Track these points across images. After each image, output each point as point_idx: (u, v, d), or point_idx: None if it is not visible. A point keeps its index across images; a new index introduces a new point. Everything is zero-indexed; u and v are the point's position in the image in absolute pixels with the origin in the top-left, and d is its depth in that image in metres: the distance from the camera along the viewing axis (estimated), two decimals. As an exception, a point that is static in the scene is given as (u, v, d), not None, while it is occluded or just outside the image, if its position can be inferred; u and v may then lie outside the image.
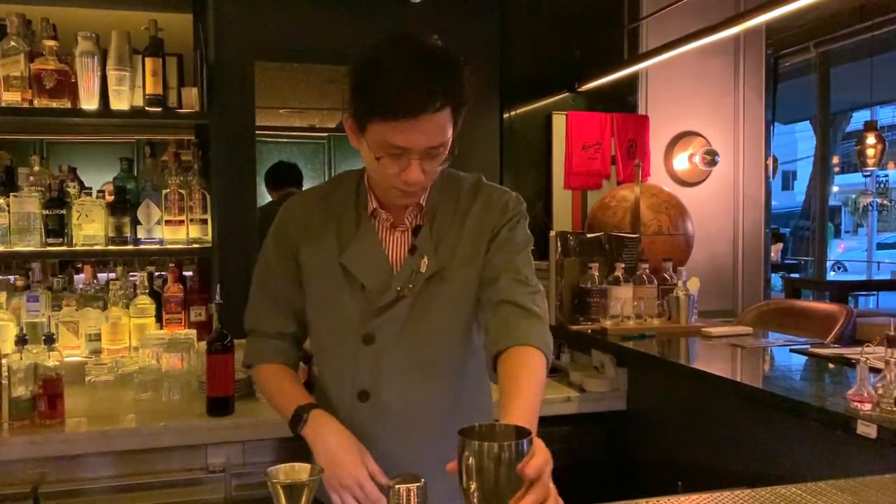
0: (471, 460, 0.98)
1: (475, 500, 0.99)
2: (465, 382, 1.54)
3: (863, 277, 10.50)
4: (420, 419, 1.47)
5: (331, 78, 5.54)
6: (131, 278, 2.72)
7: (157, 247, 2.60)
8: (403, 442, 1.45)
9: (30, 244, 2.47)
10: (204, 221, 2.63)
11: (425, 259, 1.43)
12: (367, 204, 1.46)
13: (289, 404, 1.44)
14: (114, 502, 1.96)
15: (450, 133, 1.32)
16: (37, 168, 2.63)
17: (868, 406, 1.87)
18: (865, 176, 7.93)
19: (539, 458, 1.02)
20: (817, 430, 1.99)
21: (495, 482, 0.98)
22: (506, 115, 3.54)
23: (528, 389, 1.26)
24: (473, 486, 0.99)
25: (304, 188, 4.66)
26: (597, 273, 2.92)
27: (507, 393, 1.27)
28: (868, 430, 1.78)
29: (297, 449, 2.08)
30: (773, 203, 5.15)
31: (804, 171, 14.92)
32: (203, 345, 2.16)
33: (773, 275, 6.25)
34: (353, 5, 3.22)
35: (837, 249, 14.73)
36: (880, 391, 1.89)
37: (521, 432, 1.03)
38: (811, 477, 1.39)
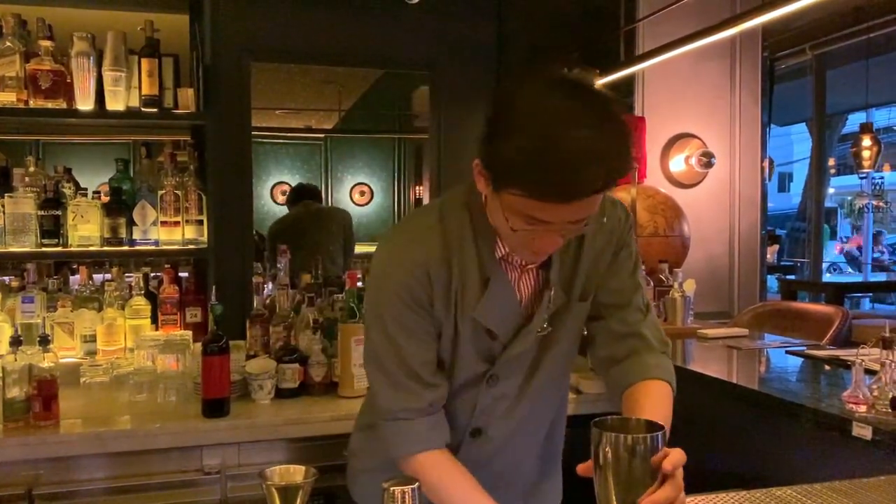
0: (606, 451, 0.97)
1: (610, 493, 0.98)
2: (563, 401, 1.52)
3: (859, 279, 10.51)
4: (524, 445, 1.45)
5: (327, 79, 5.55)
6: (127, 279, 2.71)
7: (153, 248, 2.59)
8: (517, 416, 1.40)
9: (25, 245, 2.46)
10: (200, 222, 2.62)
11: (552, 291, 1.29)
12: (494, 247, 1.25)
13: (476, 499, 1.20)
14: (108, 504, 1.96)
15: (598, 205, 1.11)
16: (32, 169, 2.62)
17: (863, 408, 1.88)
18: (861, 178, 7.95)
19: (676, 454, 0.99)
20: (813, 432, 1.99)
21: (629, 475, 0.97)
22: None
23: (655, 414, 1.17)
24: (607, 478, 0.98)
25: (314, 199, 4.77)
26: (593, 274, 2.92)
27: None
28: (863, 431, 1.78)
29: (292, 451, 2.08)
30: (770, 205, 5.16)
31: (800, 174, 14.95)
32: (198, 346, 2.15)
33: (769, 276, 6.25)
34: (350, 6, 3.21)
35: (833, 251, 14.75)
36: (875, 393, 1.89)
37: (654, 426, 1.01)
38: (807, 478, 1.39)
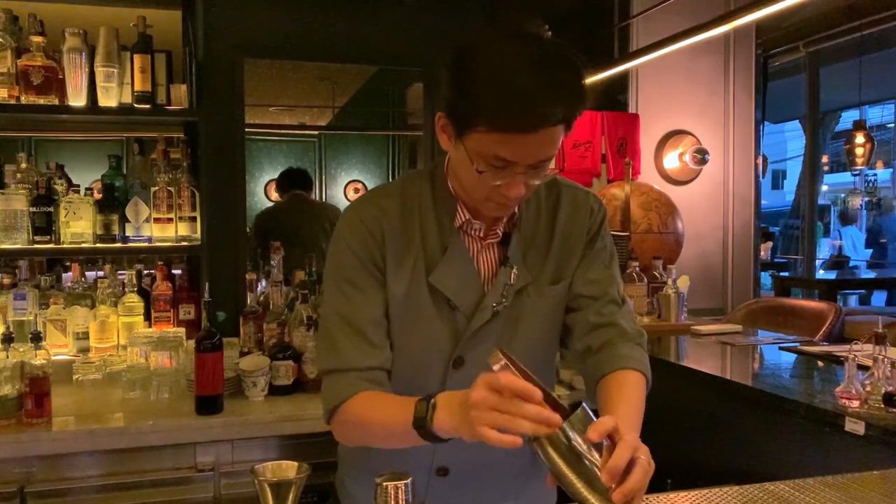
0: (549, 456, 0.97)
1: (577, 488, 0.97)
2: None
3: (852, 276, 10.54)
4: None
5: (321, 75, 5.54)
6: (119, 276, 2.70)
7: (146, 245, 2.58)
8: (483, 452, 1.40)
9: (17, 242, 2.45)
10: (193, 219, 2.61)
11: (514, 269, 1.30)
12: (454, 214, 1.29)
13: (404, 407, 1.15)
14: (101, 502, 1.95)
15: (559, 144, 1.17)
16: (24, 165, 2.61)
17: (856, 403, 1.89)
18: (854, 175, 7.98)
19: (599, 422, 0.98)
20: (806, 427, 2.00)
21: (578, 464, 0.96)
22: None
23: (627, 404, 1.20)
24: (567, 479, 0.97)
25: (305, 191, 4.75)
26: (587, 271, 2.92)
27: (606, 409, 1.20)
28: (856, 426, 1.79)
29: (286, 447, 2.08)
30: (763, 202, 5.16)
31: (794, 171, 14.98)
32: (192, 343, 2.15)
33: (762, 273, 6.27)
34: (344, 2, 3.21)
35: (826, 248, 14.80)
36: (868, 388, 1.90)
37: (574, 406, 1.00)
38: (800, 473, 1.39)
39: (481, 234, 1.31)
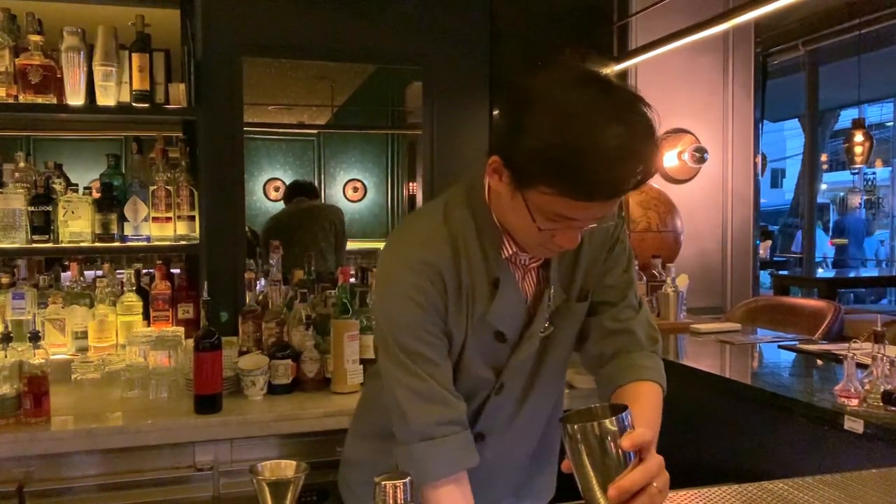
0: (577, 445, 0.96)
1: (591, 483, 0.97)
2: (559, 399, 1.51)
3: (851, 274, 10.55)
4: (521, 445, 1.44)
5: (320, 74, 5.53)
6: (118, 275, 2.69)
7: (145, 244, 2.58)
8: (517, 422, 1.40)
9: (15, 241, 2.44)
10: (192, 218, 2.61)
11: (552, 290, 1.28)
12: (501, 246, 1.22)
13: None
14: (100, 501, 1.95)
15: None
16: (22, 164, 2.61)
17: (855, 402, 1.89)
18: (853, 174, 7.98)
19: (637, 433, 0.96)
20: (805, 426, 2.00)
21: (603, 463, 0.96)
22: (495, 112, 3.53)
23: (644, 417, 1.17)
24: (585, 470, 0.97)
25: (308, 196, 4.81)
26: (586, 270, 2.92)
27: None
28: (855, 425, 1.79)
29: (285, 447, 2.08)
30: (762, 200, 5.17)
31: (793, 169, 14.98)
32: (191, 342, 2.15)
33: (761, 272, 6.27)
34: (343, 1, 3.20)
35: (826, 246, 14.80)
36: (867, 387, 1.90)
37: (617, 409, 0.99)
38: (799, 472, 1.39)
39: (526, 262, 1.27)
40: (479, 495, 1.40)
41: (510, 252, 1.23)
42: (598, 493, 0.97)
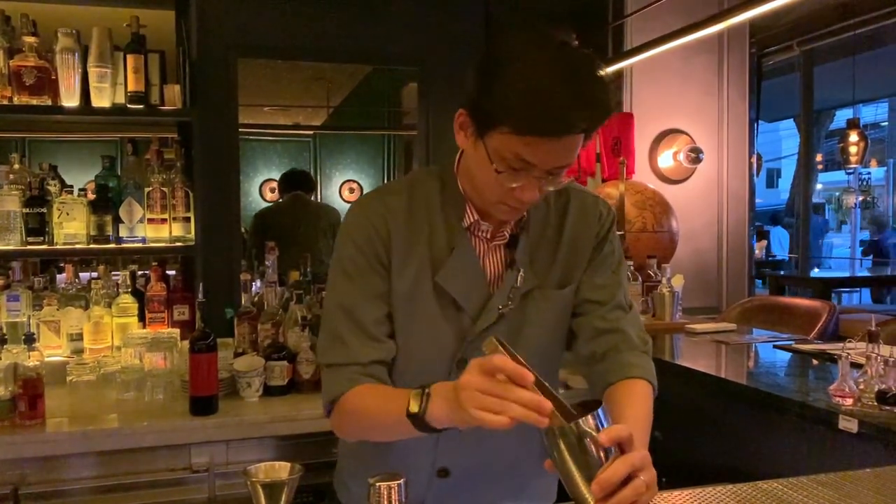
0: (558, 446, 0.97)
1: (577, 484, 0.97)
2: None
3: (846, 274, 10.60)
4: (510, 441, 1.37)
5: (315, 75, 5.53)
6: (114, 277, 2.69)
7: (140, 245, 2.58)
8: (484, 452, 1.38)
9: (10, 243, 2.44)
10: (187, 220, 2.61)
11: (521, 272, 1.30)
12: (463, 215, 1.29)
13: (400, 398, 1.14)
14: (96, 503, 1.94)
15: (577, 153, 1.19)
16: (17, 166, 2.60)
17: (850, 401, 1.89)
18: (848, 174, 8.00)
19: (615, 428, 0.97)
20: (800, 426, 2.00)
21: (586, 461, 0.96)
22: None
23: (635, 414, 1.19)
24: (569, 471, 0.97)
25: (306, 193, 4.78)
26: (582, 270, 2.92)
27: (613, 420, 1.15)
28: (849, 424, 1.79)
29: (281, 448, 2.08)
30: (758, 200, 5.18)
31: (788, 169, 15.03)
32: (186, 344, 2.14)
33: (756, 271, 6.29)
34: (338, 2, 3.20)
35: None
36: (862, 386, 1.91)
37: (591, 405, 1.00)
38: (793, 471, 1.40)
39: (489, 236, 1.31)
40: (471, 499, 1.40)
41: (471, 220, 1.29)
42: (584, 491, 0.97)
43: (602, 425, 0.97)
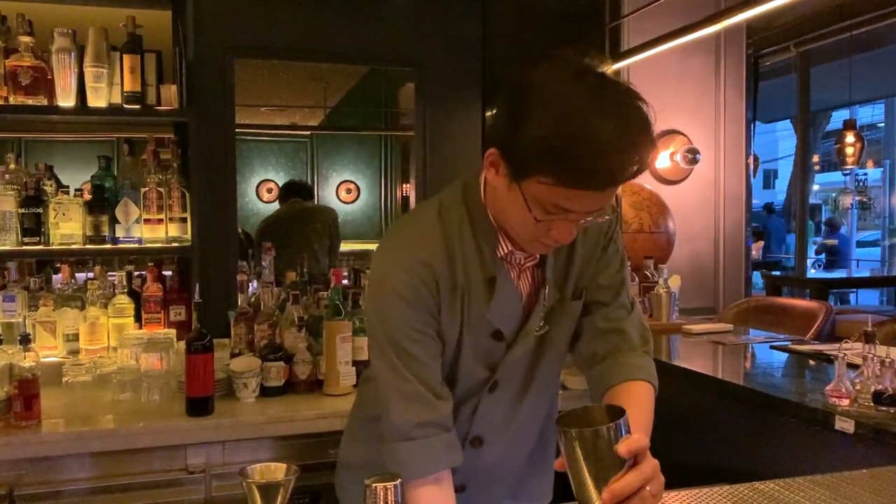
0: (573, 447, 0.97)
1: (587, 486, 0.97)
2: (554, 400, 1.51)
3: (843, 275, 10.61)
4: (518, 446, 1.43)
5: (312, 75, 5.53)
6: (110, 278, 2.68)
7: (136, 246, 2.57)
8: (515, 424, 1.40)
9: (5, 243, 2.43)
10: (183, 220, 2.60)
11: (546, 289, 1.29)
12: (496, 244, 1.23)
13: None
14: (91, 504, 1.94)
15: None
16: (13, 166, 2.59)
17: (846, 402, 1.89)
18: (845, 174, 8.01)
19: (633, 439, 0.97)
20: (796, 426, 2.00)
21: (598, 466, 0.96)
22: (487, 114, 3.54)
23: (637, 417, 1.15)
24: (580, 472, 0.97)
25: (303, 197, 4.80)
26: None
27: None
28: (846, 425, 1.79)
29: (277, 449, 2.07)
30: (755, 201, 5.18)
31: (785, 170, 15.04)
32: (182, 344, 2.14)
33: (753, 272, 6.29)
34: (336, 2, 3.20)
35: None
36: (858, 387, 1.91)
37: (615, 413, 1.00)
38: (790, 472, 1.40)
39: (521, 262, 1.28)
40: (476, 498, 1.40)
41: (506, 251, 1.24)
42: (594, 495, 0.97)
43: (622, 434, 0.97)
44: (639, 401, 1.25)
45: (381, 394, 1.26)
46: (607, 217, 1.19)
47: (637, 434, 1.00)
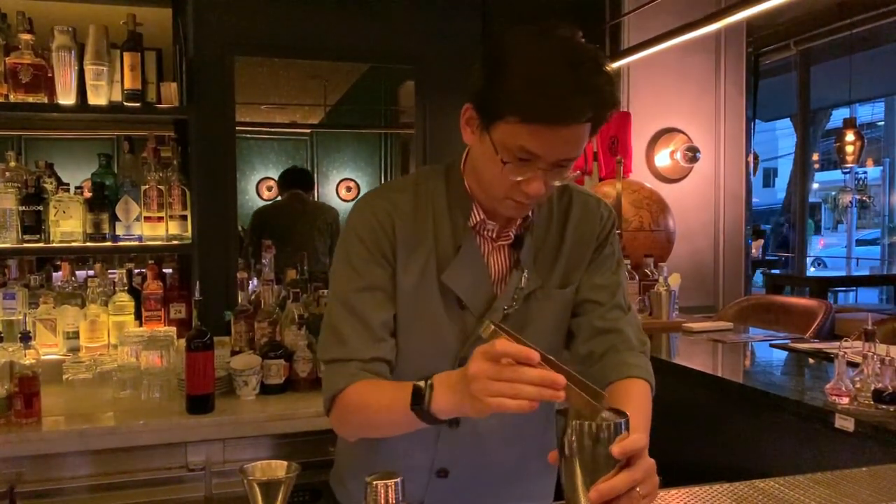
0: (571, 439, 0.97)
1: (577, 480, 0.97)
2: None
3: (842, 273, 10.63)
4: (506, 435, 1.41)
5: (312, 73, 5.52)
6: (110, 275, 2.68)
7: (136, 243, 2.57)
8: (483, 455, 1.39)
9: (6, 241, 2.43)
10: (183, 218, 2.60)
11: (525, 273, 1.31)
12: (469, 214, 1.29)
13: (402, 390, 1.14)
14: (92, 502, 1.94)
15: (584, 147, 1.19)
16: (13, 164, 2.59)
17: (846, 400, 1.89)
18: (845, 173, 8.02)
19: (630, 440, 0.98)
20: (796, 424, 2.00)
21: (593, 462, 0.97)
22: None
23: (635, 414, 1.13)
24: (573, 466, 0.97)
25: (305, 191, 4.77)
26: (579, 269, 2.93)
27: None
28: (846, 423, 1.80)
29: (277, 447, 2.07)
30: (754, 200, 5.18)
31: (785, 168, 15.05)
32: (183, 342, 2.14)
33: (753, 271, 6.30)
34: (336, 0, 3.20)
35: (817, 246, 14.88)
36: (858, 385, 1.91)
37: (618, 413, 1.00)
38: (790, 470, 1.40)
39: (494, 236, 1.31)
40: (470, 501, 1.40)
41: (477, 219, 1.29)
42: (581, 491, 0.97)
43: (621, 432, 0.97)
44: (637, 399, 1.25)
45: (326, 316, 1.32)
46: (570, 177, 1.23)
47: (636, 435, 1.00)
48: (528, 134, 1.12)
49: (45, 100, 2.46)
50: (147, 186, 2.56)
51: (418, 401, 1.11)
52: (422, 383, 1.12)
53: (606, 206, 1.41)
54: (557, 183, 1.20)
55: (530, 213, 1.31)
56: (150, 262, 2.72)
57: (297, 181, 4.77)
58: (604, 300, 1.35)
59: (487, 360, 1.01)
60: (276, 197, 5.03)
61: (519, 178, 1.16)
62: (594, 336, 1.35)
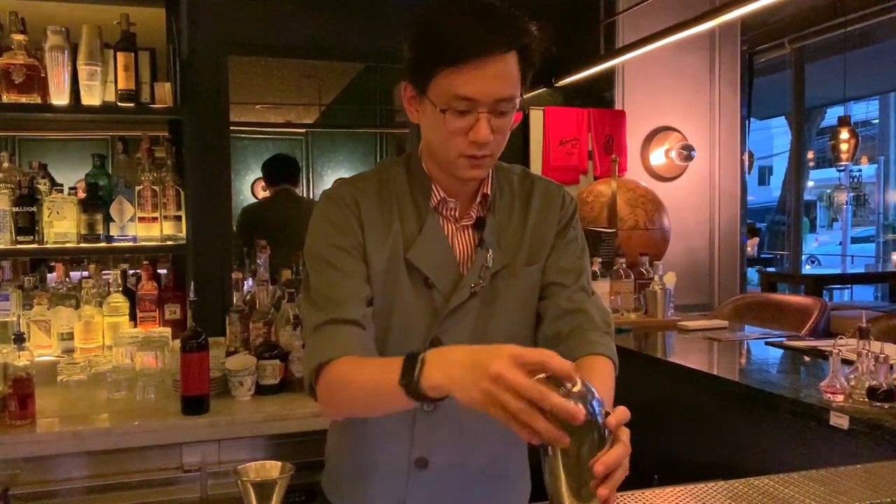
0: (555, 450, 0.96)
1: (561, 490, 0.97)
2: None
3: (837, 271, 10.66)
4: (485, 420, 1.41)
5: (307, 73, 5.51)
6: (104, 276, 2.68)
7: (131, 244, 2.56)
8: (463, 443, 1.38)
9: (0, 242, 2.42)
10: (178, 218, 2.60)
11: (490, 252, 1.34)
12: (430, 195, 1.33)
13: (390, 366, 1.10)
14: (87, 503, 1.94)
15: (519, 87, 1.23)
16: (6, 165, 2.58)
17: (840, 397, 1.90)
18: (839, 171, 8.04)
19: (620, 410, 0.99)
20: (791, 422, 2.01)
21: (577, 469, 0.96)
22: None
23: (601, 388, 1.11)
24: (557, 475, 0.97)
25: (293, 185, 4.70)
26: (574, 268, 2.92)
27: None
28: (841, 421, 1.80)
29: (273, 447, 2.07)
30: (750, 198, 5.19)
31: (780, 167, 15.08)
32: (177, 343, 2.14)
33: (748, 269, 6.31)
34: (329, -1, 3.19)
35: (812, 244, 14.92)
36: (853, 382, 1.91)
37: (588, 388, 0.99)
38: (785, 468, 1.40)
39: (456, 215, 1.34)
40: (456, 494, 1.40)
41: (438, 198, 1.33)
42: (566, 496, 0.97)
43: (599, 427, 0.97)
44: (601, 374, 1.27)
45: (300, 309, 1.35)
46: (514, 122, 1.26)
47: (621, 407, 1.01)
48: (459, 80, 1.18)
49: (39, 100, 2.46)
50: (141, 187, 2.56)
51: (407, 376, 1.07)
52: (411, 359, 1.08)
53: (568, 193, 1.45)
54: (501, 127, 1.23)
55: (488, 192, 1.35)
56: (144, 262, 2.71)
57: (284, 175, 4.54)
58: (569, 283, 1.38)
59: (519, 367, 0.97)
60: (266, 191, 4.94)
61: (462, 124, 1.20)
62: (560, 317, 1.36)
